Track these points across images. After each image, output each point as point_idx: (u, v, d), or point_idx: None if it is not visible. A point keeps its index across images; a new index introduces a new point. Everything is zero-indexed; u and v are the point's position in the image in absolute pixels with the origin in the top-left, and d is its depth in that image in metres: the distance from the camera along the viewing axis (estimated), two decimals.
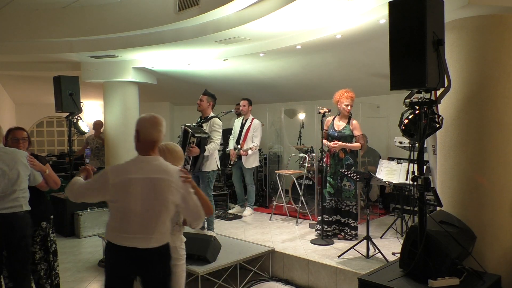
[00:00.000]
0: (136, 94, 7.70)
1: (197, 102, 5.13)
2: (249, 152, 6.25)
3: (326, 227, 4.97)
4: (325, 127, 5.03)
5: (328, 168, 4.97)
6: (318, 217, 5.22)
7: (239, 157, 6.42)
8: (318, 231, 5.11)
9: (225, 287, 4.18)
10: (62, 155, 9.64)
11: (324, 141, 4.98)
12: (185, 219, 2.67)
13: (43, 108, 9.73)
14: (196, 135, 4.83)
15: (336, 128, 4.96)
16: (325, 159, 5.04)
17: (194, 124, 5.21)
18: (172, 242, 2.59)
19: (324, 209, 4.98)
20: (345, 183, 4.90)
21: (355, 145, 4.89)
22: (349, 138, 4.90)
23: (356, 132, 4.91)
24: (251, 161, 6.41)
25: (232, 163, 6.58)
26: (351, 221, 4.91)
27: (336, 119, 5.02)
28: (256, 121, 6.52)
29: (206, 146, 4.90)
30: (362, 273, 3.42)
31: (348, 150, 4.90)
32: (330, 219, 5.00)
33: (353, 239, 4.86)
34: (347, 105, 4.87)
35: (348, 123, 4.94)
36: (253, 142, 6.36)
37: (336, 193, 4.94)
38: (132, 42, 6.17)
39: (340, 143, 4.84)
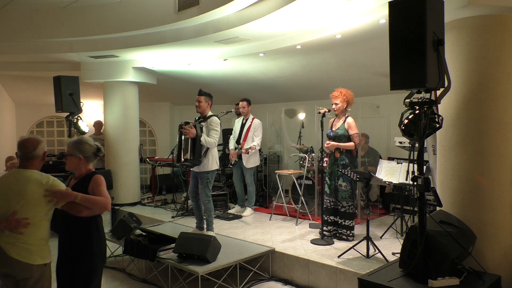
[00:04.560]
0: (136, 94, 7.71)
1: (195, 104, 5.13)
2: (250, 151, 6.24)
3: (325, 227, 4.99)
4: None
5: (326, 168, 4.98)
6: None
7: (239, 156, 6.42)
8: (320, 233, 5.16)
9: (225, 287, 4.18)
10: (62, 155, 9.62)
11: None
12: None
13: (43, 108, 9.71)
14: (190, 122, 4.88)
15: (333, 128, 4.97)
16: (325, 160, 5.07)
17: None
18: None
19: (322, 208, 5.03)
20: (341, 183, 4.87)
21: (349, 144, 4.82)
22: (343, 137, 4.86)
23: (351, 131, 4.86)
24: (252, 161, 6.41)
25: (232, 163, 6.57)
26: (348, 222, 4.90)
27: (335, 119, 5.03)
28: (256, 121, 6.51)
29: (202, 134, 4.90)
30: (362, 273, 3.42)
31: (343, 150, 4.87)
32: (328, 219, 5.01)
33: (350, 239, 4.87)
34: (332, 104, 4.93)
35: (344, 122, 4.93)
36: (253, 141, 6.35)
37: (333, 193, 4.95)
38: (132, 42, 6.17)
39: (332, 143, 4.84)
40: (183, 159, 4.94)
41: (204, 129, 5.02)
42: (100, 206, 2.75)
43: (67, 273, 2.80)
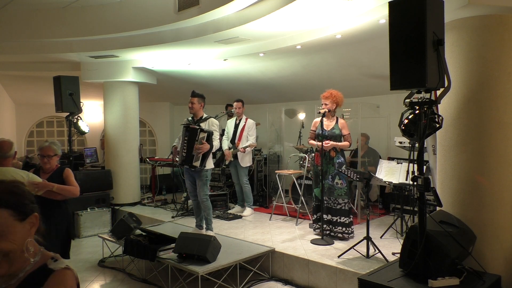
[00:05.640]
0: (136, 94, 7.70)
1: (188, 105, 5.15)
2: (248, 149, 6.27)
3: (318, 225, 5.02)
4: (313, 128, 5.13)
5: (319, 168, 4.97)
6: (313, 216, 5.23)
7: (234, 156, 6.43)
8: (315, 230, 5.19)
9: (225, 287, 4.18)
10: (62, 155, 9.62)
11: (312, 141, 5.09)
12: None
13: (43, 108, 9.71)
14: (205, 130, 4.87)
15: (325, 128, 4.99)
16: (315, 159, 5.10)
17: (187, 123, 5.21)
18: None
19: (315, 208, 5.07)
20: (337, 181, 4.92)
21: (345, 143, 4.97)
22: (338, 137, 4.98)
23: (345, 131, 5.00)
24: (247, 160, 6.46)
25: (227, 163, 6.59)
26: (344, 219, 4.92)
27: (324, 119, 5.05)
28: (250, 121, 6.54)
29: (213, 143, 4.95)
30: (362, 273, 3.42)
31: (339, 149, 4.98)
32: (325, 218, 5.01)
33: (349, 236, 4.88)
34: (322, 104, 4.98)
35: (337, 122, 5.02)
36: (248, 141, 6.40)
37: (328, 191, 4.96)
38: (132, 42, 6.17)
39: (331, 142, 4.89)
40: (193, 165, 4.96)
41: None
42: (71, 193, 3.62)
43: None
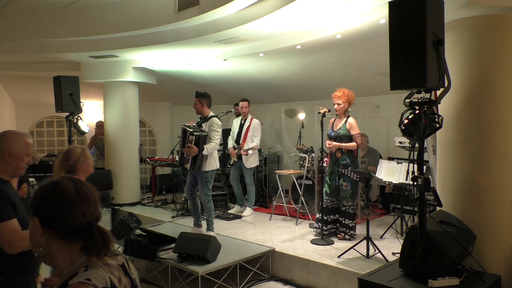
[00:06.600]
0: (136, 94, 7.71)
1: (193, 106, 5.20)
2: (250, 152, 6.25)
3: (318, 224, 5.02)
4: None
5: (326, 168, 4.99)
6: (317, 215, 5.22)
7: (239, 157, 6.42)
8: (315, 230, 5.18)
9: (225, 287, 4.18)
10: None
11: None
12: None
13: (43, 108, 9.71)
14: (194, 133, 4.86)
15: (334, 128, 4.98)
16: (326, 160, 5.09)
17: (194, 124, 5.24)
18: None
19: (321, 209, 5.02)
20: (341, 182, 4.90)
21: (351, 144, 4.84)
22: (344, 137, 4.88)
23: (353, 132, 4.88)
24: (251, 161, 6.42)
25: (232, 162, 6.58)
26: (348, 221, 4.92)
27: (336, 119, 5.04)
28: (255, 121, 6.52)
29: (205, 146, 4.92)
30: (362, 273, 3.42)
31: (345, 150, 4.88)
32: (328, 218, 5.01)
33: (352, 239, 4.88)
34: (334, 104, 4.95)
35: (345, 122, 4.94)
36: (253, 142, 6.36)
37: (334, 192, 4.96)
38: (132, 42, 6.17)
39: (334, 143, 4.85)
40: (184, 166, 5.00)
41: (205, 129, 5.05)
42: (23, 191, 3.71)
43: None
